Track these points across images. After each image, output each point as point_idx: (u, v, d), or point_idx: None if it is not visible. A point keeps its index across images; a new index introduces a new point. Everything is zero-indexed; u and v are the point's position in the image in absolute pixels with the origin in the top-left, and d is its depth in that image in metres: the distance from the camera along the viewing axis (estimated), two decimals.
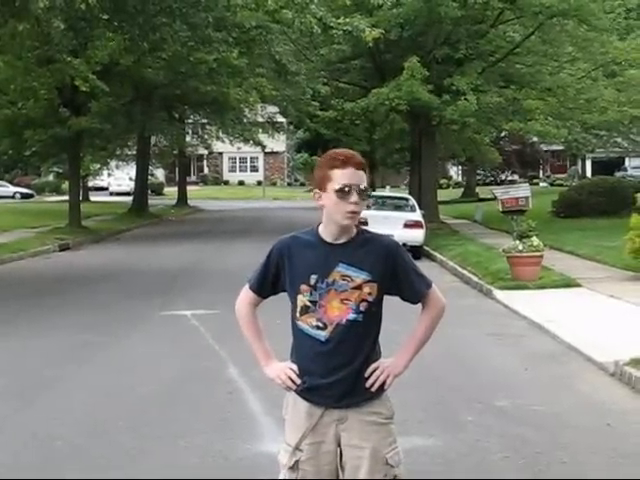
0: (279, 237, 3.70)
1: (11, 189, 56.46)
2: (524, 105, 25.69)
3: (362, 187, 3.48)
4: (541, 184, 57.01)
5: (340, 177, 3.46)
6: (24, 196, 54.84)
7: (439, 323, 3.82)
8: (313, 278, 3.55)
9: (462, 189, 54.69)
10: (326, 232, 3.56)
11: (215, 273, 16.90)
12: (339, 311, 3.53)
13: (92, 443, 6.04)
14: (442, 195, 36.06)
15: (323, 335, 3.55)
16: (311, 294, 3.56)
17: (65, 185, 40.62)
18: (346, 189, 3.44)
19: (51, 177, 57.79)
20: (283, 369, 3.65)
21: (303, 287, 3.57)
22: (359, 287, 3.53)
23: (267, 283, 3.74)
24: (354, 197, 3.45)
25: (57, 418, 6.66)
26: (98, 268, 18.19)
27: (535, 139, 47.78)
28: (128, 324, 10.92)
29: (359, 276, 3.53)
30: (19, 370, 8.32)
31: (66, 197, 31.30)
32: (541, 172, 65.50)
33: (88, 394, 7.42)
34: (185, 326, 10.78)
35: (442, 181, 56.16)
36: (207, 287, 14.70)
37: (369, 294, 3.55)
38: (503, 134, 45.59)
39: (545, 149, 58.59)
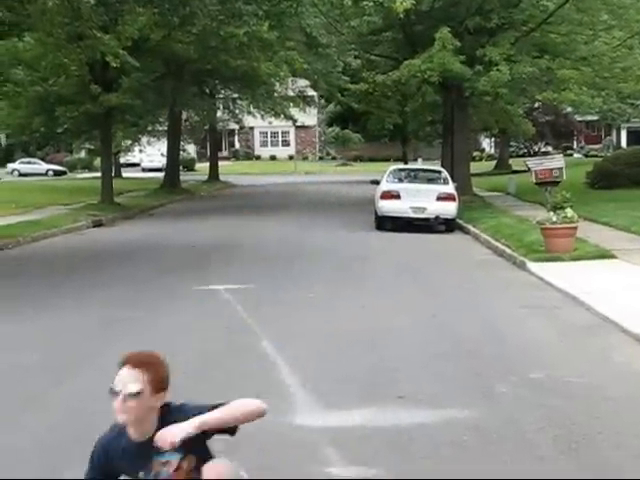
0: (100, 436, 3.96)
1: (44, 166, 56.89)
2: (558, 75, 25.33)
3: (129, 393, 3.69)
4: (575, 155, 56.43)
5: (116, 377, 3.78)
6: (57, 173, 55.26)
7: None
8: (141, 474, 3.74)
9: (495, 161, 54.27)
10: (130, 431, 3.76)
11: (247, 248, 16.93)
12: None
13: None
14: (475, 168, 35.78)
15: None
16: None
17: (97, 162, 40.86)
18: (114, 390, 3.74)
19: (83, 154, 58.13)
20: None
21: None
22: (179, 467, 3.71)
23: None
24: (118, 402, 3.71)
25: (93, 393, 6.69)
26: (131, 244, 18.29)
27: (569, 109, 47.24)
28: (162, 299, 10.97)
29: (173, 457, 3.69)
30: (55, 345, 8.39)
31: (98, 174, 31.47)
32: (575, 143, 64.79)
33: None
34: (218, 301, 10.81)
35: (475, 153, 55.74)
36: (240, 262, 14.73)
37: (190, 470, 3.72)
38: (536, 105, 45.12)
39: (579, 119, 57.89)
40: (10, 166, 55.93)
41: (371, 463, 5.06)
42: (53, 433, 5.70)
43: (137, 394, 3.62)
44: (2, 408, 6.28)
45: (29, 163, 57.00)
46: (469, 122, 30.96)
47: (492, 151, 66.12)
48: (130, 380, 3.69)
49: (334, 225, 21.38)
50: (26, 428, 5.81)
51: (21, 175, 53.41)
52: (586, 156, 54.64)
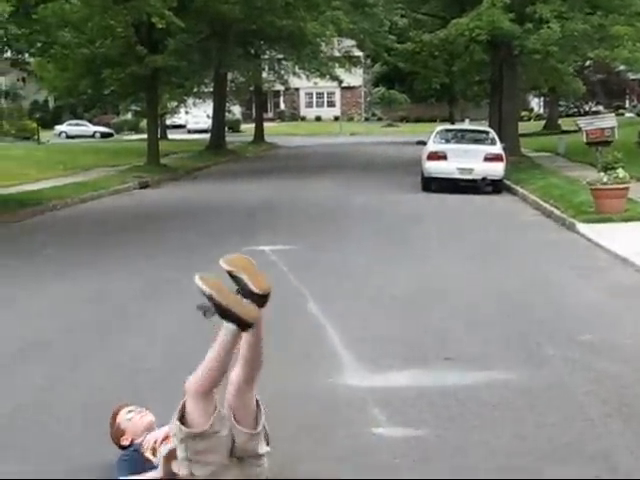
0: None
1: (91, 128, 57.30)
2: (611, 32, 24.73)
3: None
4: (627, 114, 55.26)
5: None
6: (103, 135, 55.64)
7: None
8: None
9: (544, 121, 53.42)
10: None
11: (293, 209, 16.92)
12: None
13: (175, 374, 6.11)
14: (523, 128, 35.28)
15: None
16: None
17: (143, 124, 40.99)
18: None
19: (129, 116, 58.42)
20: None
21: None
22: None
23: None
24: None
25: (140, 351, 6.77)
26: (177, 205, 18.39)
27: (622, 67, 46.14)
28: (208, 261, 10.97)
29: None
30: (104, 304, 8.47)
31: (144, 135, 31.61)
32: (627, 102, 63.45)
33: (171, 328, 7.51)
34: (264, 262, 10.81)
35: (523, 113, 54.89)
36: (286, 223, 14.73)
37: None
38: (588, 63, 44.16)
39: (632, 77, 56.59)
40: (58, 128, 56.42)
41: (417, 424, 5.04)
42: (99, 390, 5.76)
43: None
44: (54, 366, 6.36)
45: (76, 125, 57.42)
46: (518, 81, 30.41)
47: (541, 111, 65.08)
48: None
49: (380, 186, 21.26)
50: (75, 385, 5.88)
51: (69, 137, 53.86)
52: (638, 115, 53.53)
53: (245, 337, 3.86)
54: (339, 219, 15.20)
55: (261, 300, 3.71)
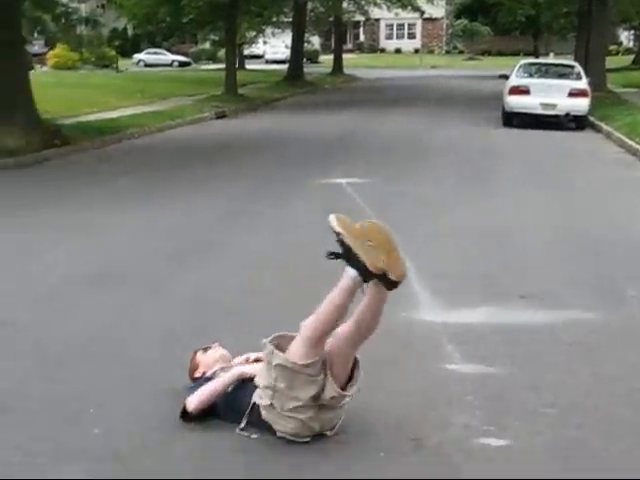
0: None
1: (169, 57, 57.48)
2: None
3: None
4: None
5: None
6: (181, 64, 55.78)
7: None
8: None
9: (633, 56, 51.59)
10: None
11: (370, 142, 16.76)
12: None
13: (247, 305, 6.15)
14: (611, 62, 34.10)
15: None
16: None
17: (221, 53, 40.90)
18: None
19: (207, 45, 58.35)
20: None
21: None
22: None
23: None
24: None
25: (213, 282, 6.81)
26: (254, 136, 18.38)
27: None
28: (284, 192, 11.00)
29: None
30: (181, 235, 8.54)
31: (222, 65, 31.55)
32: None
33: (245, 261, 7.54)
34: (341, 195, 10.76)
35: (611, 47, 53.07)
36: (363, 156, 14.61)
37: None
38: None
39: None
40: (136, 56, 56.76)
41: (490, 361, 4.97)
42: (173, 316, 5.83)
43: None
44: (129, 296, 6.45)
45: (155, 54, 57.66)
46: (608, 13, 29.29)
47: (630, 45, 62.86)
48: None
49: (460, 120, 20.90)
50: (150, 310, 5.96)
51: (147, 65, 54.17)
52: None
53: (368, 298, 3.74)
54: (417, 153, 15.01)
55: (393, 286, 3.52)
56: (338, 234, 3.40)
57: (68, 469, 3.53)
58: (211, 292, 6.47)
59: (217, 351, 4.44)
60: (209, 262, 7.44)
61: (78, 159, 14.35)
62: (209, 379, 4.16)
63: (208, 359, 4.38)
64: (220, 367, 4.26)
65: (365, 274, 3.38)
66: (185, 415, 3.97)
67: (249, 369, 3.95)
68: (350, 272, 3.46)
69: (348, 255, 3.38)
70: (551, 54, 45.92)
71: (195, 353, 4.48)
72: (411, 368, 4.87)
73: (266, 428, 3.81)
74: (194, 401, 3.96)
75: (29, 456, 3.65)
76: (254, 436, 3.83)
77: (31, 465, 3.55)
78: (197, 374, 4.33)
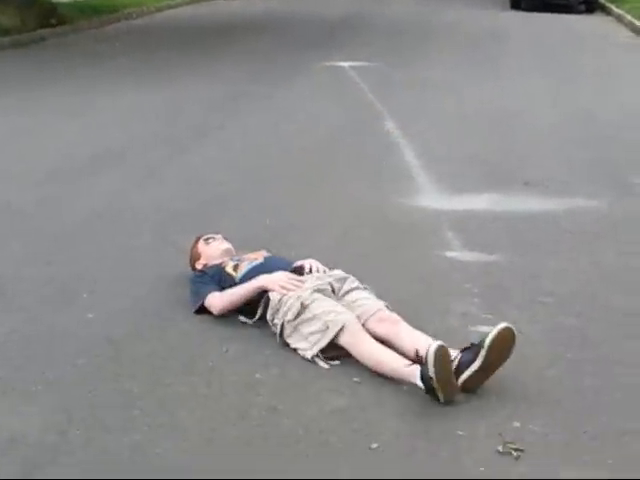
0: None
1: None
2: None
3: None
4: None
5: None
6: None
7: None
8: None
9: None
10: None
11: (375, 24, 16.34)
12: None
13: (246, 190, 6.06)
14: None
15: None
16: None
17: None
18: None
19: None
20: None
21: None
22: None
23: None
24: None
25: (212, 165, 6.70)
26: (258, 17, 17.92)
27: None
28: (286, 75, 10.77)
29: None
30: (176, 117, 8.38)
31: None
32: None
33: (245, 142, 7.41)
34: (342, 78, 10.54)
35: None
36: (366, 39, 14.27)
37: None
38: None
39: None
40: None
41: (491, 249, 4.90)
42: (169, 200, 5.75)
43: None
44: (126, 175, 6.36)
45: None
46: None
47: None
48: None
49: (465, 2, 20.35)
50: (147, 194, 5.88)
51: None
52: None
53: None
54: (421, 36, 14.65)
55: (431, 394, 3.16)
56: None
57: (62, 351, 3.50)
58: (209, 176, 6.37)
59: (221, 244, 4.28)
60: (208, 145, 7.31)
61: (75, 39, 14.01)
62: (211, 276, 4.00)
63: (211, 251, 4.24)
64: (227, 259, 4.12)
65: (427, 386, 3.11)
66: (199, 311, 3.90)
67: (269, 283, 3.74)
68: (419, 382, 3.13)
69: (426, 384, 3.08)
70: None
71: (197, 241, 4.35)
72: (410, 255, 4.81)
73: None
74: (218, 306, 3.85)
75: (24, 340, 3.62)
76: (250, 322, 3.79)
77: (27, 349, 3.53)
78: (198, 265, 4.23)
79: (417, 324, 3.57)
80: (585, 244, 5.07)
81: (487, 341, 3.16)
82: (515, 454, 2.79)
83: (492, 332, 3.18)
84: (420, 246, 4.96)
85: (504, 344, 3.19)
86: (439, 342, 3.12)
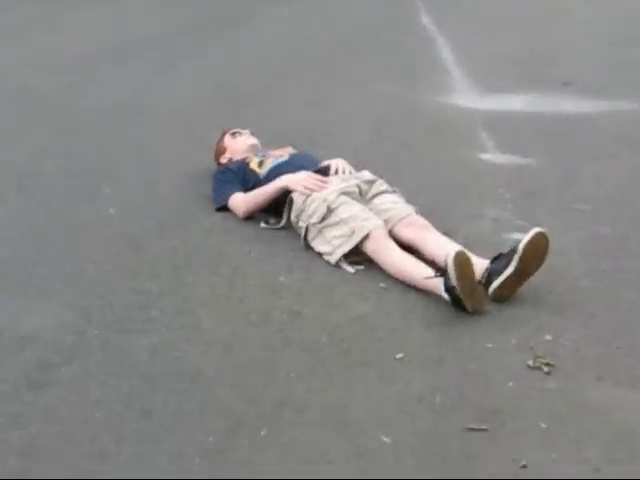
0: None
1: None
2: None
3: None
4: None
5: None
6: None
7: None
8: None
9: None
10: None
11: None
12: None
13: (275, 86, 5.87)
14: None
15: None
16: None
17: None
18: None
19: None
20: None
21: None
22: None
23: None
24: None
25: (238, 59, 6.51)
26: None
27: None
28: None
29: None
30: (199, 7, 8.11)
31: None
32: None
33: (274, 37, 7.17)
34: None
35: None
36: None
37: None
38: None
39: None
40: None
41: (525, 151, 4.72)
42: (193, 94, 5.59)
43: None
44: (147, 67, 6.18)
45: None
46: None
47: None
48: None
49: None
50: (170, 87, 5.72)
51: None
52: None
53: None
54: None
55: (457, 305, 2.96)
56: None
57: (81, 247, 3.42)
58: (231, 72, 6.18)
59: (248, 139, 4.14)
60: (233, 38, 7.07)
61: None
62: (234, 172, 3.86)
63: (237, 145, 4.10)
64: (252, 154, 3.98)
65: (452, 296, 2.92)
66: (221, 209, 3.78)
67: (292, 183, 3.59)
68: (444, 294, 2.93)
69: (450, 291, 2.89)
70: None
71: (224, 135, 4.20)
72: (442, 156, 4.65)
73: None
74: (241, 208, 3.71)
75: (43, 236, 3.54)
76: (277, 227, 3.66)
77: (45, 245, 3.45)
78: (223, 159, 4.11)
79: (447, 229, 3.44)
80: (624, 148, 4.87)
81: (521, 246, 3.03)
82: (546, 369, 2.69)
83: (526, 237, 3.04)
84: (453, 147, 4.79)
85: (538, 250, 3.06)
86: (458, 248, 2.97)
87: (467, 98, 5.69)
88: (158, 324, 2.90)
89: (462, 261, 2.91)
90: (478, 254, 3.20)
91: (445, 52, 6.77)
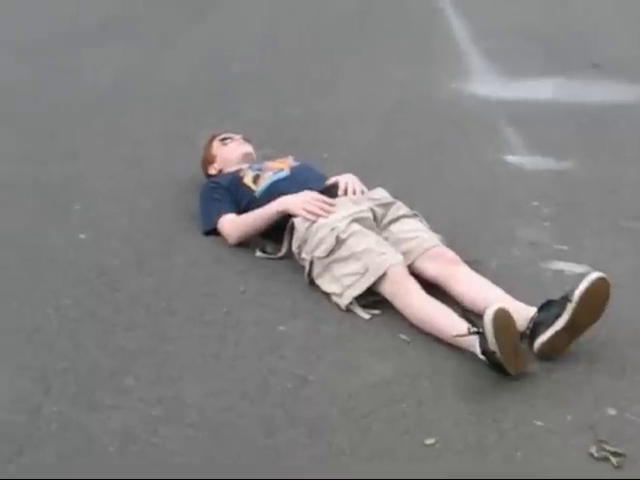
0: None
1: None
2: None
3: None
4: None
5: None
6: None
7: None
8: None
9: None
10: None
11: None
12: None
13: (271, 69, 5.32)
14: None
15: None
16: None
17: None
18: None
19: None
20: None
21: None
22: None
23: None
24: None
25: (233, 37, 5.94)
26: None
27: None
28: None
29: None
30: None
31: None
32: None
33: (267, 11, 6.61)
34: None
35: None
36: None
37: None
38: None
39: None
40: None
41: (560, 152, 4.15)
42: (183, 79, 5.05)
43: None
44: (138, 44, 5.63)
45: None
46: None
47: None
48: None
49: None
50: (158, 69, 5.17)
51: None
52: None
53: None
54: None
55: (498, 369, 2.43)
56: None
57: (47, 287, 2.90)
58: (227, 50, 5.63)
59: (240, 146, 3.55)
60: (226, 13, 6.51)
61: None
62: (225, 188, 3.28)
63: (228, 153, 3.52)
64: (246, 166, 3.40)
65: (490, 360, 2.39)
66: (210, 233, 3.22)
67: (293, 206, 3.03)
68: (481, 356, 2.40)
69: (486, 354, 2.37)
70: None
71: (212, 140, 3.61)
72: (463, 159, 4.08)
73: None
74: (232, 235, 3.15)
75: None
76: (274, 257, 3.11)
77: (1, 283, 2.92)
78: (212, 170, 3.53)
79: (474, 257, 2.91)
80: None
81: (577, 293, 2.48)
82: (614, 460, 2.15)
83: (583, 283, 2.49)
84: (474, 146, 4.24)
85: (597, 299, 2.51)
86: (496, 305, 2.40)
87: (487, 85, 5.13)
88: (132, 397, 2.36)
89: (502, 322, 2.37)
90: (511, 289, 2.67)
91: (458, 27, 6.20)
